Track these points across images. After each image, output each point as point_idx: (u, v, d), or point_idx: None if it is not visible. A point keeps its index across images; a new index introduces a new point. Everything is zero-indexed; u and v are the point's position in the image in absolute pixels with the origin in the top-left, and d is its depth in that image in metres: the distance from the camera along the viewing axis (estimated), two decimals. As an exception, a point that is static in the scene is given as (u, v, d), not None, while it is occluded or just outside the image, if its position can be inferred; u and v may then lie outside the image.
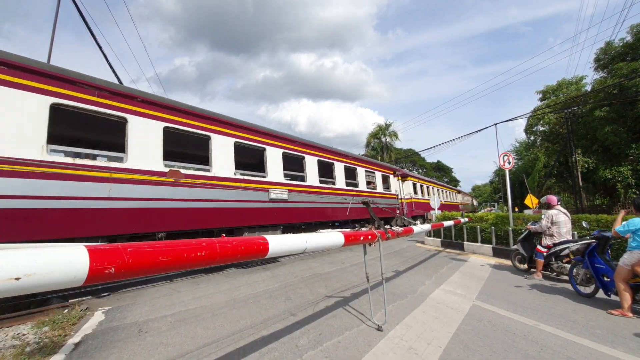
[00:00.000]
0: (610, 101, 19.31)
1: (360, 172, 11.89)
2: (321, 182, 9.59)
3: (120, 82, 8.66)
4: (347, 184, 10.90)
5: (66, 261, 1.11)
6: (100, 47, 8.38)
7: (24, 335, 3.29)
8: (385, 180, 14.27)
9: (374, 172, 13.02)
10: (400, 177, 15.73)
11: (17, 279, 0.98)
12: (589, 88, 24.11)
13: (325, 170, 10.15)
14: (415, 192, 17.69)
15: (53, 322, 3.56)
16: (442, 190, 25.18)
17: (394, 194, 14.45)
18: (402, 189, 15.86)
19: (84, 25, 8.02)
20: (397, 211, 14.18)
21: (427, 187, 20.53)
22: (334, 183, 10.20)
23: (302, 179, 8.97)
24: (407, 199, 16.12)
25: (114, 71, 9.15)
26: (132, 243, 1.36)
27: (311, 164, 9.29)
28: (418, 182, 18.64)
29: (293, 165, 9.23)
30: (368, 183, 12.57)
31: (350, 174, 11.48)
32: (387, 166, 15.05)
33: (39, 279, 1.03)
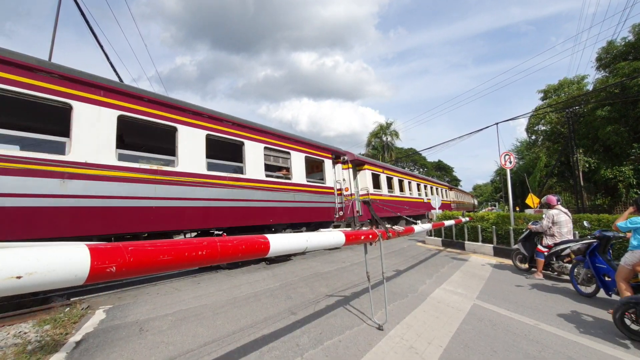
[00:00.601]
0: (612, 100, 19.28)
1: (253, 150, 7.31)
2: (136, 159, 5.33)
3: (121, 81, 8.65)
4: (214, 167, 6.41)
5: (67, 260, 1.11)
6: (101, 46, 8.39)
7: (25, 333, 3.30)
8: (317, 166, 9.98)
9: (287, 153, 8.35)
10: (350, 165, 11.35)
11: (19, 277, 0.98)
12: (590, 87, 24.08)
13: (157, 141, 6.55)
14: (379, 187, 13.32)
15: (54, 321, 3.57)
16: (425, 186, 19.92)
17: (330, 188, 9.71)
18: (357, 182, 12.05)
19: (85, 24, 8.03)
20: (340, 211, 9.93)
21: (401, 181, 15.89)
22: (177, 164, 5.76)
23: (57, 149, 4.40)
24: (363, 195, 12.13)
25: (115, 70, 9.17)
26: (134, 242, 1.36)
27: (98, 122, 4.71)
28: (382, 172, 13.82)
29: (42, 121, 5.52)
30: (277, 169, 8.33)
31: (229, 152, 7.18)
32: (317, 145, 9.67)
33: (40, 277, 1.03)
